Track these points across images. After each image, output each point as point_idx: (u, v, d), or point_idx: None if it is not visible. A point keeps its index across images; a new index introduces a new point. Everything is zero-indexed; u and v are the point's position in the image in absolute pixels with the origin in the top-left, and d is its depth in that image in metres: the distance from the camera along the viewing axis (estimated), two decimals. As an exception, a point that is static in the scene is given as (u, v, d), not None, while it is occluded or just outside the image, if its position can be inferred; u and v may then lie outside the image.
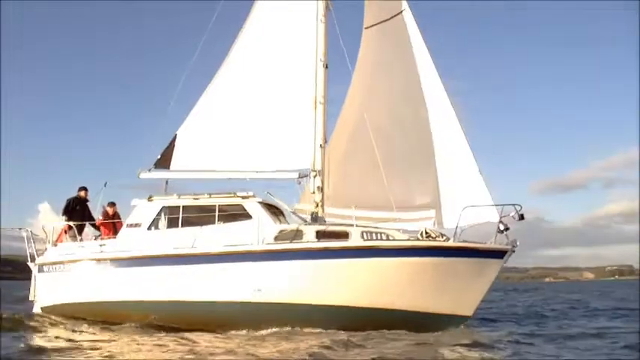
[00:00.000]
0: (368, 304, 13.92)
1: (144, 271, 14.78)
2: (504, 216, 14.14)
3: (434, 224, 15.65)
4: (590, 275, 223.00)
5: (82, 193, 17.08)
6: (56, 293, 15.69)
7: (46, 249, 16.36)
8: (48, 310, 15.60)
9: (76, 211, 16.71)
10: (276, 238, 14.49)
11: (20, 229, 16.73)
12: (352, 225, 14.47)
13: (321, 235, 14.36)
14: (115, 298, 14.89)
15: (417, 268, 13.86)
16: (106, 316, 14.83)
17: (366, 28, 17.72)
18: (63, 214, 16.62)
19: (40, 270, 15.93)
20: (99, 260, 15.33)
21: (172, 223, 15.38)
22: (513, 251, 14.18)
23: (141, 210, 15.79)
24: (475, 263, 14.02)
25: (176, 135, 17.45)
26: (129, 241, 15.36)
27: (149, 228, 15.49)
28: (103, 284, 15.15)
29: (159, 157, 17.31)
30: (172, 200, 15.70)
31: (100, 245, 15.71)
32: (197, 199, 15.58)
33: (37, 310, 16.05)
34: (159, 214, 15.54)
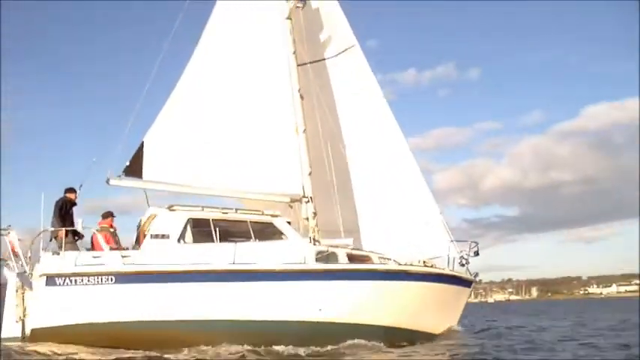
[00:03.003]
0: (403, 325, 15.70)
1: (194, 288, 13.85)
2: (462, 251, 17.60)
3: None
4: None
5: (72, 196, 14.79)
6: (69, 311, 13.21)
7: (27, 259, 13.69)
8: (45, 332, 13.08)
9: (69, 215, 14.31)
10: (317, 260, 15.28)
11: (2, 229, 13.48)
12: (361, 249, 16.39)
13: (351, 258, 15.81)
14: (158, 318, 13.54)
15: (437, 293, 16.46)
16: (141, 338, 13.30)
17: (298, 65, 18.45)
18: (58, 219, 14.01)
19: (50, 282, 13.29)
20: (139, 273, 13.70)
21: (202, 237, 14.81)
22: (476, 282, 17.94)
23: (164, 220, 14.72)
24: (459, 290, 17.37)
25: (143, 142, 16.35)
26: (158, 254, 14.15)
27: (179, 240, 14.48)
28: (143, 301, 13.56)
29: (127, 164, 16.09)
30: (200, 212, 15.10)
31: (123, 257, 13.94)
32: (225, 213, 15.25)
33: (11, 332, 13.30)
34: (185, 225, 14.62)
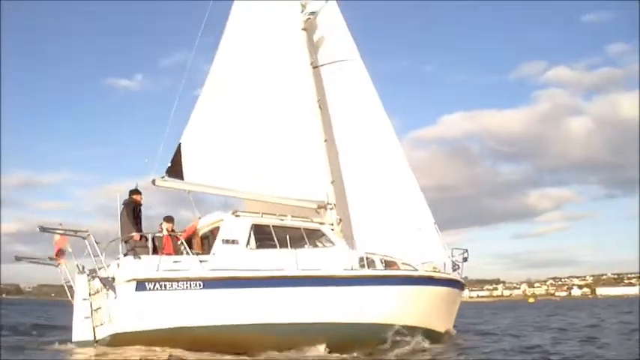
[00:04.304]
0: (429, 325, 16.43)
1: (275, 292, 13.92)
2: (454, 257, 18.77)
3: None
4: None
5: (139, 197, 14.25)
6: (158, 316, 12.85)
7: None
8: (129, 337, 12.73)
9: (139, 218, 13.65)
10: (360, 265, 15.72)
11: (77, 232, 12.71)
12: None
13: (384, 264, 16.42)
14: (244, 321, 13.45)
15: (450, 296, 17.54)
16: (228, 340, 13.27)
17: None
18: (133, 221, 13.42)
19: (141, 287, 12.73)
20: (227, 279, 13.51)
21: (263, 242, 14.71)
22: (464, 284, 19.21)
23: (232, 225, 14.51)
24: (459, 294, 18.57)
25: (180, 144, 15.93)
26: (231, 259, 13.94)
27: (246, 246, 14.42)
28: (230, 306, 13.42)
29: (169, 164, 15.62)
30: (261, 219, 15.03)
31: (201, 262, 13.58)
32: (282, 219, 15.30)
33: (84, 336, 13.03)
34: (250, 231, 14.56)
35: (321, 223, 15.96)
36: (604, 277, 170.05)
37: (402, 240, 17.99)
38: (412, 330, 15.50)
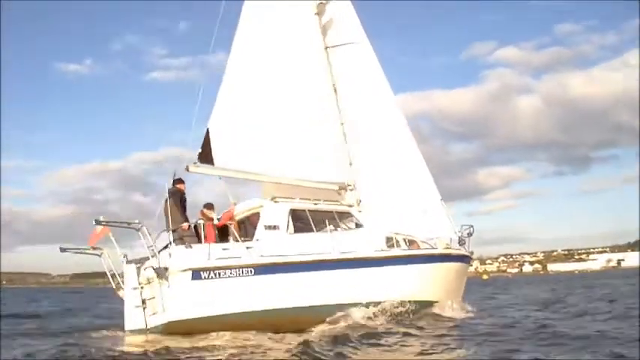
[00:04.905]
0: (445, 298, 16.72)
1: (322, 275, 14.22)
2: (459, 231, 19.06)
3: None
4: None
5: (182, 187, 14.42)
6: (213, 303, 13.11)
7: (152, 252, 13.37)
8: (183, 324, 12.90)
9: (185, 207, 13.78)
10: (388, 245, 16.07)
11: (130, 223, 12.66)
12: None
13: (407, 243, 16.81)
14: (295, 304, 13.77)
15: (462, 270, 18.27)
16: (278, 324, 13.45)
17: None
18: (181, 210, 13.52)
19: (196, 276, 12.93)
20: (278, 265, 13.76)
21: (299, 226, 14.94)
22: (472, 259, 19.75)
23: (271, 211, 14.70)
24: (467, 267, 19.16)
25: (208, 129, 15.87)
26: (274, 245, 14.14)
27: (286, 230, 14.63)
28: (282, 290, 13.68)
29: (200, 150, 15.51)
30: (298, 204, 15.24)
31: (247, 248, 13.72)
32: (316, 204, 15.56)
33: (136, 325, 13.17)
34: (288, 216, 14.77)
35: (349, 206, 16.23)
36: (554, 253, 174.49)
37: (413, 217, 18.24)
38: (432, 304, 16.11)
